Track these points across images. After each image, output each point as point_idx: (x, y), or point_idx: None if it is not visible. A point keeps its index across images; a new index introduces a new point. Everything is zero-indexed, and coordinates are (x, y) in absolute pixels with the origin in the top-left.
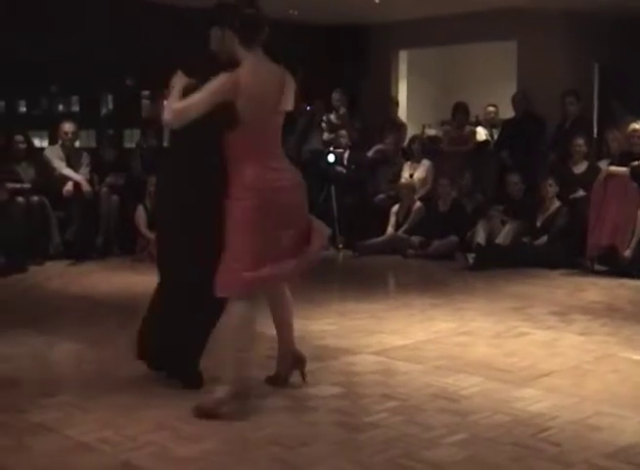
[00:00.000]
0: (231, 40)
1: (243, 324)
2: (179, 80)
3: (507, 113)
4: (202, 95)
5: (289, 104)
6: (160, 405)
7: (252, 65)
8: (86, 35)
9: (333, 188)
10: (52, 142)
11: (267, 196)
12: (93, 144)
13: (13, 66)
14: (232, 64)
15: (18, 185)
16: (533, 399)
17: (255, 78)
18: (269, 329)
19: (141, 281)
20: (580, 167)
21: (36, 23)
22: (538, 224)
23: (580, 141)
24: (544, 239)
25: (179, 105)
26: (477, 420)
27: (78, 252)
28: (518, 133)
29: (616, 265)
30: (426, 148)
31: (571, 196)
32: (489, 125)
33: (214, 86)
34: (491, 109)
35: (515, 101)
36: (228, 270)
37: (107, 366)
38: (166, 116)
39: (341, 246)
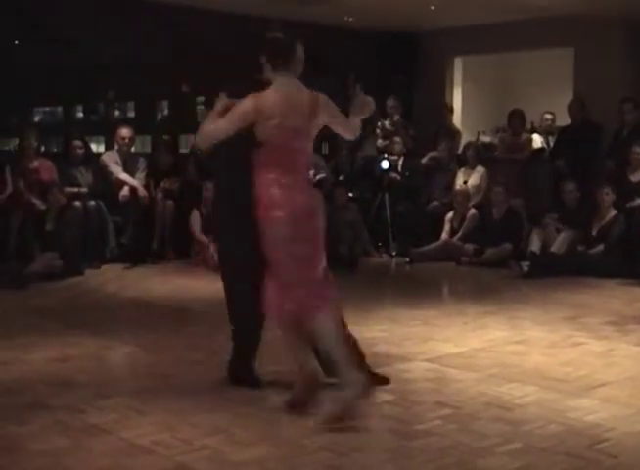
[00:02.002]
0: (267, 68)
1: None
2: (220, 103)
3: (563, 120)
4: (227, 118)
5: (319, 126)
6: (214, 410)
7: (277, 88)
8: (142, 42)
9: (387, 195)
10: (108, 147)
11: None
12: (148, 149)
13: (70, 72)
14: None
15: (75, 189)
16: (589, 410)
17: (277, 102)
18: None
19: (195, 286)
20: (638, 176)
21: (94, 30)
22: (594, 233)
23: (638, 149)
24: (600, 248)
25: (207, 128)
26: (531, 430)
27: (134, 256)
28: (574, 141)
29: None
30: (480, 155)
31: (629, 204)
32: (546, 133)
33: (237, 110)
34: (548, 116)
35: (571, 108)
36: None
37: (162, 370)
38: (196, 137)
39: (394, 253)
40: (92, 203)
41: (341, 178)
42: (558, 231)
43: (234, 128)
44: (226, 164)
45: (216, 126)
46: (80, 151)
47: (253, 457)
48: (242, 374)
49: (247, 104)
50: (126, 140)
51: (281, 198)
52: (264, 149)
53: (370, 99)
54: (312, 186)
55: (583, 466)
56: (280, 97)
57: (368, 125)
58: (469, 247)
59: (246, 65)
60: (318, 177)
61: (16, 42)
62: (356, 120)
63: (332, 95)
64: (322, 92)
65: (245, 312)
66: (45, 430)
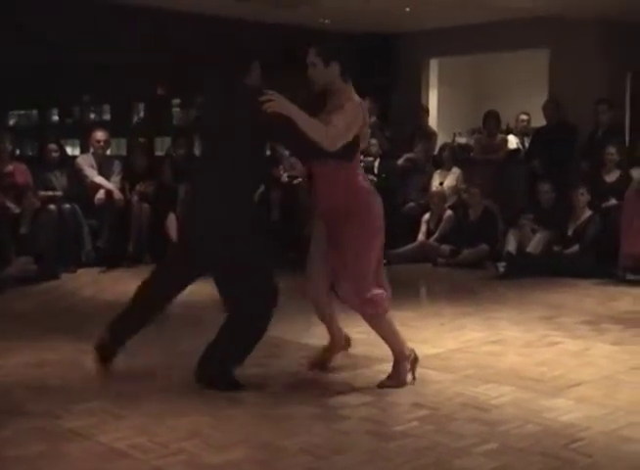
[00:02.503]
0: (256, 74)
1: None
2: (283, 100)
3: (538, 121)
4: (341, 124)
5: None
6: (191, 413)
7: (355, 95)
8: (117, 44)
9: None
10: (83, 150)
11: None
12: (124, 152)
13: (45, 75)
14: (321, 93)
15: (50, 193)
16: (565, 410)
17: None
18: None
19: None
20: (612, 176)
21: (69, 32)
22: (569, 233)
23: (612, 149)
24: (575, 248)
25: (330, 132)
26: (507, 430)
27: (110, 259)
28: (549, 142)
29: None
30: (456, 156)
31: (604, 205)
32: (521, 134)
33: (349, 115)
34: (524, 117)
35: (546, 109)
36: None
37: (139, 373)
38: (324, 144)
39: None
40: (67, 206)
41: None
42: (533, 232)
43: (352, 134)
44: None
45: (338, 131)
46: (55, 154)
47: (230, 460)
48: (220, 374)
49: (356, 109)
50: (101, 143)
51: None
52: (353, 153)
53: None
54: None
55: (559, 466)
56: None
57: None
58: (445, 248)
59: (220, 66)
60: (288, 176)
61: None
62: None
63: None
64: (297, 92)
65: (260, 308)
66: (21, 435)
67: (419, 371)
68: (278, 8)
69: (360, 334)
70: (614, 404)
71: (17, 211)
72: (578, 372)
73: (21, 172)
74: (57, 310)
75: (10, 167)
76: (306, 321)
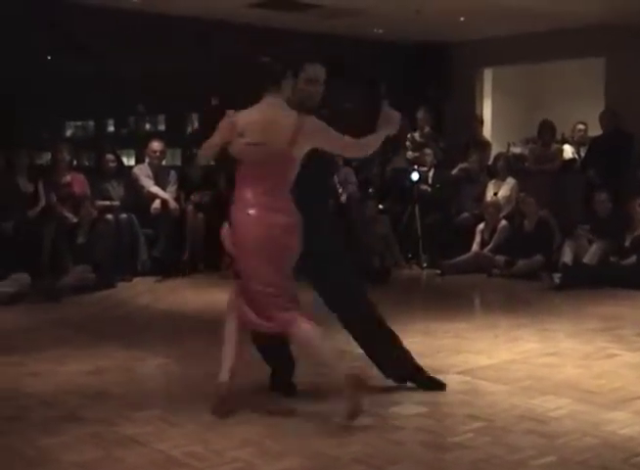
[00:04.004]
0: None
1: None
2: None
3: (594, 131)
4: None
5: (302, 150)
6: (245, 422)
7: (259, 107)
8: (172, 56)
9: (417, 207)
10: (139, 161)
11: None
12: (179, 162)
13: (101, 86)
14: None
15: (107, 203)
16: (624, 423)
17: (252, 121)
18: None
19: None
20: None
21: (122, 44)
22: (627, 244)
23: None
24: (633, 259)
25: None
26: (565, 443)
27: (165, 268)
28: (605, 151)
29: None
30: (511, 166)
31: None
32: (578, 143)
33: (220, 125)
34: (581, 127)
35: (603, 118)
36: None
37: (194, 382)
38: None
39: (425, 265)
40: (124, 216)
41: (370, 191)
42: (590, 242)
43: (218, 142)
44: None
45: (208, 142)
46: (113, 164)
47: (285, 469)
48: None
49: (224, 119)
50: (157, 153)
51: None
52: (239, 167)
53: (396, 114)
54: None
55: None
56: (258, 116)
57: (398, 137)
58: (500, 258)
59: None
60: (346, 192)
61: (48, 58)
62: (376, 137)
63: (362, 105)
64: (351, 103)
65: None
66: (78, 442)
67: (475, 382)
68: (332, 18)
69: (414, 344)
70: None
71: (74, 220)
72: (638, 385)
73: (78, 182)
74: (113, 319)
75: (68, 178)
76: None
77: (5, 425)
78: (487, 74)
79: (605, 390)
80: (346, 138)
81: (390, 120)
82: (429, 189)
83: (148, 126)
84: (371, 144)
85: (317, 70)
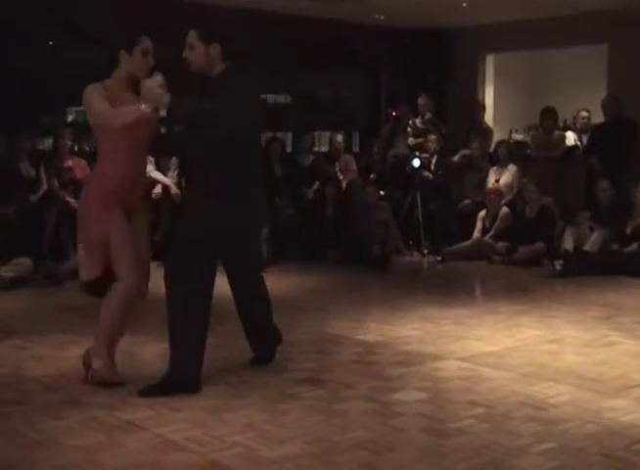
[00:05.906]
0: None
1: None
2: None
3: (597, 117)
4: None
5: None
6: (247, 407)
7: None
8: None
9: (418, 193)
10: None
11: None
12: None
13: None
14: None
15: None
16: (625, 410)
17: None
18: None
19: (226, 283)
20: None
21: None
22: (628, 231)
23: None
24: (634, 246)
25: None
26: (566, 429)
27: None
28: (608, 138)
29: None
30: (512, 153)
31: None
32: (581, 131)
33: None
34: (584, 114)
35: (605, 105)
36: None
37: None
38: None
39: (426, 251)
40: None
41: (372, 177)
42: (591, 230)
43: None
44: None
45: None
46: None
47: (286, 454)
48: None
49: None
50: None
51: None
52: None
53: (159, 91)
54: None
55: (621, 467)
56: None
57: (399, 123)
58: (501, 245)
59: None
60: (346, 179)
61: (50, 43)
62: (126, 110)
63: (363, 91)
64: (353, 88)
65: None
66: (80, 425)
67: (476, 369)
68: (333, 3)
69: (415, 330)
70: None
71: (76, 205)
72: (639, 372)
73: (80, 167)
74: None
75: (69, 163)
76: (359, 318)
77: (7, 408)
78: (489, 61)
79: (606, 377)
80: (103, 107)
81: (150, 96)
82: (430, 175)
83: None
84: (118, 116)
85: (149, 42)
